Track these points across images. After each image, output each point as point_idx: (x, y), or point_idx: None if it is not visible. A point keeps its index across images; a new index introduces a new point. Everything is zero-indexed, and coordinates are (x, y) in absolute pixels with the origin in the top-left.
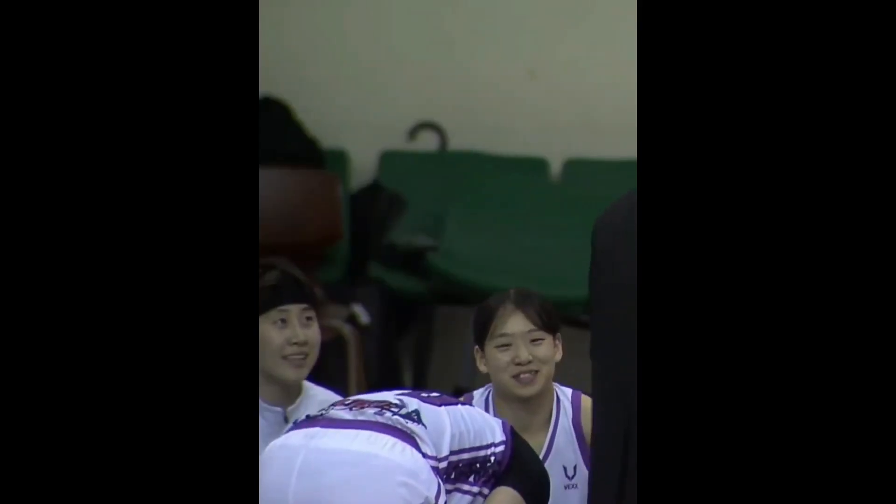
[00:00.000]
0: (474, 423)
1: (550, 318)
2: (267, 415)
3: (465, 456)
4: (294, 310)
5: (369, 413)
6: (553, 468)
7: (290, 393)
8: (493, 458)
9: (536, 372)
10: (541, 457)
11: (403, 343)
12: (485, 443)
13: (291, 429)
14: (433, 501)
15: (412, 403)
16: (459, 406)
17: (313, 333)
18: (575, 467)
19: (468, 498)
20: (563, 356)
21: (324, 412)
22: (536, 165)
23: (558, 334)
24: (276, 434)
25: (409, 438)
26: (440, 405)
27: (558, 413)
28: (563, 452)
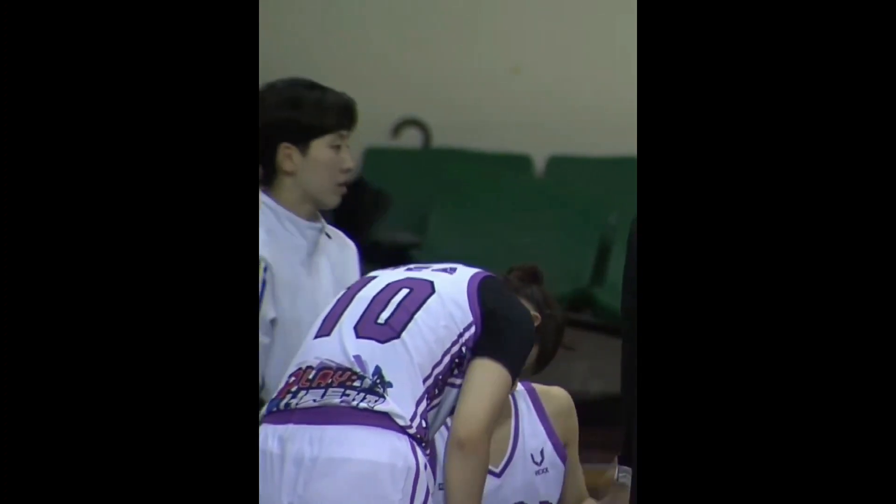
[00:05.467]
0: (441, 321)
1: None
2: (308, 232)
3: (441, 367)
4: (348, 137)
5: (335, 400)
6: (523, 459)
7: (318, 213)
8: (464, 349)
9: None
10: (508, 450)
11: None
12: (455, 335)
13: (265, 419)
14: (411, 491)
15: (373, 358)
16: (429, 300)
17: (355, 162)
18: (542, 451)
19: (456, 391)
20: (556, 356)
21: (292, 399)
22: (520, 162)
23: None
24: (313, 252)
25: (382, 419)
26: (399, 333)
27: (515, 400)
28: (528, 439)
